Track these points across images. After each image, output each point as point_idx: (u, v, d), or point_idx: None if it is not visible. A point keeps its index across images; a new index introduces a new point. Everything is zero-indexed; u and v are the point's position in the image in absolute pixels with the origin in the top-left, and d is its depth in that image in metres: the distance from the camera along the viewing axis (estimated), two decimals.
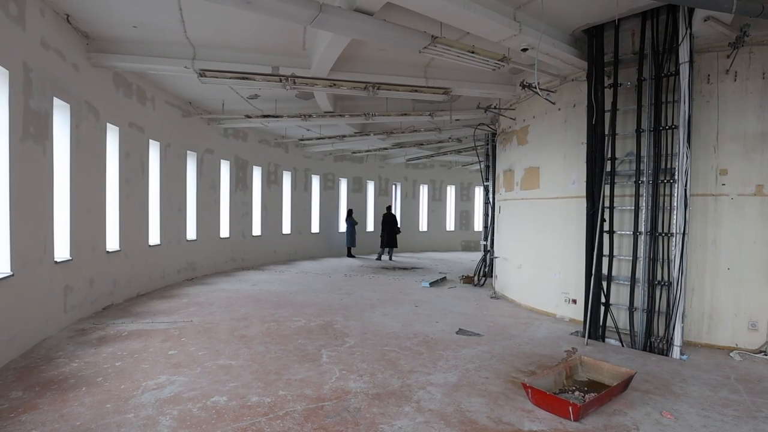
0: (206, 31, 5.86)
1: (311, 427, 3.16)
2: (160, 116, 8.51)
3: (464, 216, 19.31)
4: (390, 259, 14.55)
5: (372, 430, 3.12)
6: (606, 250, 5.59)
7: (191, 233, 9.89)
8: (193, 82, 7.76)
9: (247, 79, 6.59)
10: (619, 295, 5.66)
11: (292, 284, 9.35)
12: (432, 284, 9.48)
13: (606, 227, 5.58)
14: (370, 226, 17.09)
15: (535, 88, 5.60)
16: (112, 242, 7.05)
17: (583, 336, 5.59)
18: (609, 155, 5.53)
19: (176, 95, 8.97)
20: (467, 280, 10.00)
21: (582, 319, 5.82)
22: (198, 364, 4.39)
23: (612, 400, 3.69)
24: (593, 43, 5.57)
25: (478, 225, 19.21)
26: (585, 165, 5.81)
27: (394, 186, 18.07)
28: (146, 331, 5.53)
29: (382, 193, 17.47)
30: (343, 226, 15.86)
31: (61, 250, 5.60)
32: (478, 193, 19.27)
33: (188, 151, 9.67)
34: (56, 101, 5.35)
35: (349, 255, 15.24)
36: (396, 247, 14.80)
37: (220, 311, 6.70)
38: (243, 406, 3.46)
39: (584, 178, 5.87)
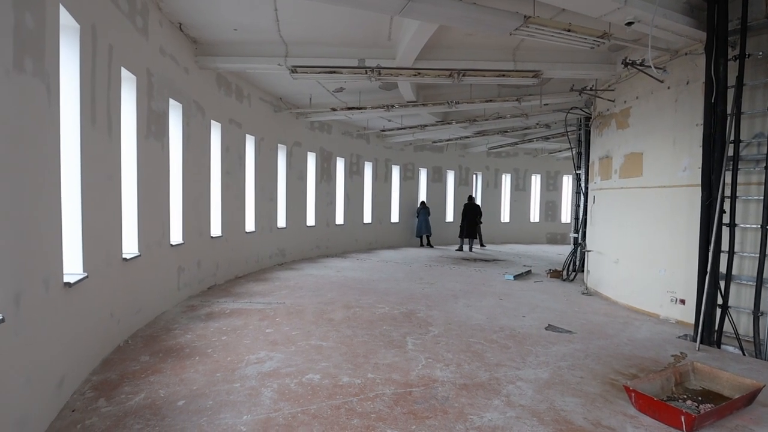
0: (298, 28, 6.14)
1: (401, 411, 3.23)
2: (255, 112, 9.16)
3: (550, 206, 18.25)
4: (470, 250, 14.27)
5: (461, 420, 3.11)
6: (725, 246, 4.94)
7: (281, 221, 10.56)
8: (283, 79, 8.22)
9: (334, 72, 6.81)
10: (739, 296, 4.99)
11: (374, 272, 9.59)
12: (516, 277, 9.14)
13: (726, 219, 4.92)
14: (450, 217, 16.88)
15: (643, 65, 5.06)
16: (215, 228, 7.78)
17: (694, 340, 5.02)
18: (732, 138, 4.85)
19: (268, 92, 9.56)
20: (555, 274, 9.48)
21: (692, 321, 5.22)
22: (292, 343, 4.69)
23: (733, 414, 3.27)
24: (715, 9, 4.87)
25: (566, 216, 18.04)
26: (700, 150, 5.14)
27: (474, 175, 17.64)
28: (245, 310, 6.04)
29: (462, 182, 17.14)
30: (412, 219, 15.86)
31: (175, 235, 6.30)
32: (566, 182, 18.07)
33: (279, 144, 10.29)
34: (171, 102, 5.99)
35: (428, 244, 15.23)
36: (475, 237, 14.47)
37: (309, 295, 7.09)
38: (335, 386, 3.64)
39: (698, 165, 5.21)
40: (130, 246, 4.90)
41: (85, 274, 3.62)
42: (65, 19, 3.36)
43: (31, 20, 2.75)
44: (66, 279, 3.31)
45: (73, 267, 3.57)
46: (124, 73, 4.59)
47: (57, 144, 3.17)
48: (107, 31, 4.10)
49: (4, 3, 2.44)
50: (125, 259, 4.62)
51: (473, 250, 14.37)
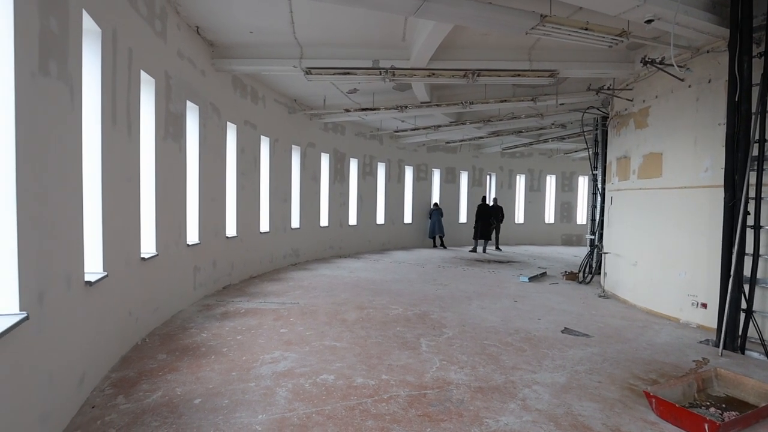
0: (313, 30, 6.17)
1: (415, 413, 3.21)
2: (270, 114, 9.23)
3: (565, 208, 18.00)
4: (484, 251, 14.16)
5: (477, 424, 3.07)
6: (749, 248, 4.80)
7: (295, 222, 10.63)
8: (298, 80, 8.27)
9: (349, 74, 6.83)
10: (765, 300, 4.85)
11: (387, 273, 9.58)
12: (531, 279, 9.03)
13: (750, 221, 4.79)
14: (463, 218, 16.78)
15: (663, 64, 4.96)
16: (231, 229, 7.86)
17: (716, 345, 4.89)
18: (757, 137, 4.71)
19: (283, 93, 9.64)
20: (570, 276, 9.34)
21: (714, 326, 5.10)
22: (306, 343, 4.71)
23: (759, 422, 3.17)
24: (739, 5, 4.75)
25: (582, 217, 17.79)
26: (723, 149, 5.03)
27: (488, 176, 17.50)
28: (260, 310, 6.08)
29: (476, 183, 17.02)
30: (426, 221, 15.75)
31: (192, 235, 6.37)
32: (582, 183, 17.80)
33: (293, 146, 10.36)
34: (188, 104, 6.07)
35: (441, 245, 15.16)
36: (489, 239, 14.35)
37: (323, 295, 7.11)
38: (349, 386, 3.64)
39: (721, 165, 5.09)
40: (148, 246, 4.97)
41: (105, 273, 3.68)
42: (88, 23, 3.42)
43: (56, 25, 2.82)
44: (87, 278, 3.37)
45: (93, 266, 3.64)
46: (144, 75, 4.67)
47: (79, 145, 3.23)
48: (127, 35, 4.17)
49: (30, 8, 2.50)
50: (143, 258, 4.69)
51: (487, 251, 14.25)
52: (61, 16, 2.90)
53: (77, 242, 3.24)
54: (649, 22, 4.71)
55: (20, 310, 2.41)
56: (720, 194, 5.03)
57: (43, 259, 2.69)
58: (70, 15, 3.04)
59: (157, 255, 5.04)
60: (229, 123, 7.60)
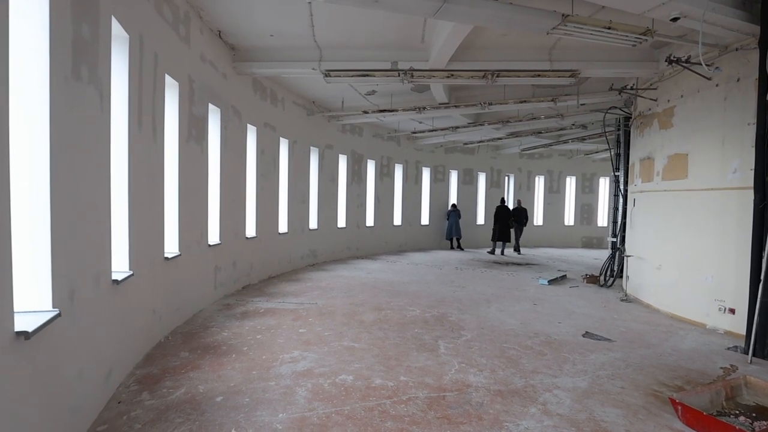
0: (332, 33, 6.23)
1: (434, 415, 3.20)
2: (289, 116, 9.34)
3: (586, 209, 17.68)
4: (502, 253, 14.01)
5: (497, 427, 3.05)
6: None
7: (313, 223, 10.71)
8: (317, 82, 8.34)
9: (367, 76, 6.86)
10: None
11: (404, 274, 9.57)
12: (551, 282, 8.89)
13: None
14: (481, 219, 16.64)
15: (689, 62, 4.84)
16: (250, 229, 7.97)
17: (745, 352, 4.74)
18: None
19: (302, 96, 9.74)
20: (591, 279, 9.17)
21: (743, 332, 4.93)
22: (325, 344, 4.74)
23: None
24: None
25: (602, 219, 17.44)
26: (753, 150, 4.87)
27: (506, 177, 17.32)
28: (279, 310, 6.15)
29: (494, 185, 16.86)
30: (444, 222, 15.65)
31: (213, 236, 6.48)
32: (603, 184, 17.47)
33: (311, 147, 10.46)
34: (210, 106, 6.18)
35: (458, 247, 15.08)
36: (509, 241, 14.19)
37: (341, 296, 7.14)
38: (368, 387, 3.65)
39: (750, 166, 4.93)
40: (171, 246, 5.08)
41: (131, 273, 3.78)
42: (116, 29, 3.53)
43: (87, 31, 2.91)
44: (114, 276, 3.47)
45: (120, 265, 3.74)
46: (168, 79, 4.78)
47: (107, 147, 3.34)
48: (153, 40, 4.28)
49: (64, 16, 2.60)
50: (167, 258, 4.80)
51: (505, 253, 14.10)
52: (92, 23, 3.00)
53: (105, 242, 3.33)
54: (674, 20, 4.60)
55: (53, 307, 2.50)
56: (749, 196, 4.87)
57: (73, 258, 2.78)
58: (101, 21, 3.14)
59: (179, 255, 5.14)
60: (249, 125, 7.72)
